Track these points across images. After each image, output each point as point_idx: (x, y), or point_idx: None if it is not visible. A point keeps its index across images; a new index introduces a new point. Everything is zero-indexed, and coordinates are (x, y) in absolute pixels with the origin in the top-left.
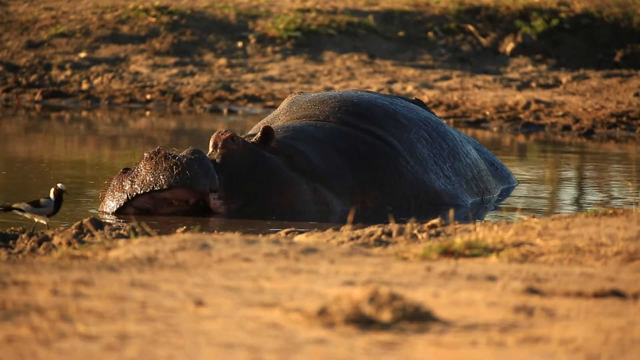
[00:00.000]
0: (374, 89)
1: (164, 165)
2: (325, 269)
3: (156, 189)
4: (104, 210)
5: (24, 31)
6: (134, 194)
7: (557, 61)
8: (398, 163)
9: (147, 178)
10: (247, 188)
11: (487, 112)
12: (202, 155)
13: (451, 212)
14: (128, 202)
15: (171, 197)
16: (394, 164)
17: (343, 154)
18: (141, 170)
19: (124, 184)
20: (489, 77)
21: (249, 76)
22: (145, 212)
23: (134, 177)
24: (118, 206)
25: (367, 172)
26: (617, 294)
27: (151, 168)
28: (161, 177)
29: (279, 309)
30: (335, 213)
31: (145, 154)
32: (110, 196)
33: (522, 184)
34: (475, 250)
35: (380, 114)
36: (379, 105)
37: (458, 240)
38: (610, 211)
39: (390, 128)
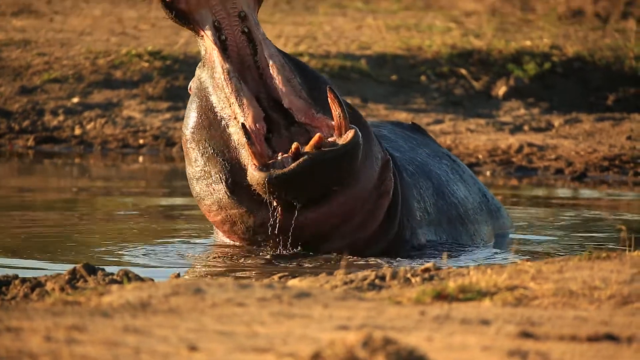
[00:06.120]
0: None
1: None
2: (319, 313)
3: None
4: None
5: (16, 77)
6: None
7: (550, 104)
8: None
9: None
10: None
11: (480, 156)
12: None
13: (444, 255)
14: None
15: None
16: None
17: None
18: None
19: None
20: (482, 121)
21: None
22: None
23: None
24: None
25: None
26: (611, 337)
27: None
28: None
29: (272, 354)
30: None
31: None
32: None
33: (516, 227)
34: (469, 294)
35: None
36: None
37: (451, 284)
38: (604, 254)
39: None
